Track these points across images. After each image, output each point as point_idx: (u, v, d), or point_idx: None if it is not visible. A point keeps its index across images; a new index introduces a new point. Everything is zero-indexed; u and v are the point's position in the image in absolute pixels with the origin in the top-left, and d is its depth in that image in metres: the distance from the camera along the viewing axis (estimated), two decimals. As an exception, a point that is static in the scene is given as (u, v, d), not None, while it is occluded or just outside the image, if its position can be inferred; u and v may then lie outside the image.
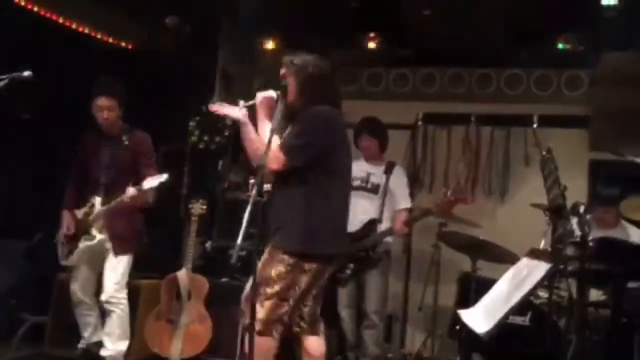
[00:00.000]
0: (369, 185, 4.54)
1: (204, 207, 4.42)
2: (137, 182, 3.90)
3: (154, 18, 4.90)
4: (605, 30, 4.68)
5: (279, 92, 2.96)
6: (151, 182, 3.83)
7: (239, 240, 2.42)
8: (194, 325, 4.22)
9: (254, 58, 5.96)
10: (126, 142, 4.09)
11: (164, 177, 3.83)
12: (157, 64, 5.20)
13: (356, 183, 4.51)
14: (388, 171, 4.55)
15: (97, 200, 4.05)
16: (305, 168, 2.89)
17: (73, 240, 4.10)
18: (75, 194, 4.21)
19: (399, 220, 4.43)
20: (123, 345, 4.03)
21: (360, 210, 4.45)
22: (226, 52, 5.60)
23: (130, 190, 3.84)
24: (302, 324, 3.03)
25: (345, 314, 4.55)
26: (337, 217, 2.99)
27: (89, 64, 4.94)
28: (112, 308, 4.00)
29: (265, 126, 2.94)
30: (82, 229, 4.07)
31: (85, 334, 4.16)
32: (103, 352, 4.03)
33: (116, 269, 4.02)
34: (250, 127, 2.97)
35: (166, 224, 4.85)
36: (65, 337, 4.32)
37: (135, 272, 4.55)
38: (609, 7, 4.49)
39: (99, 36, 5.18)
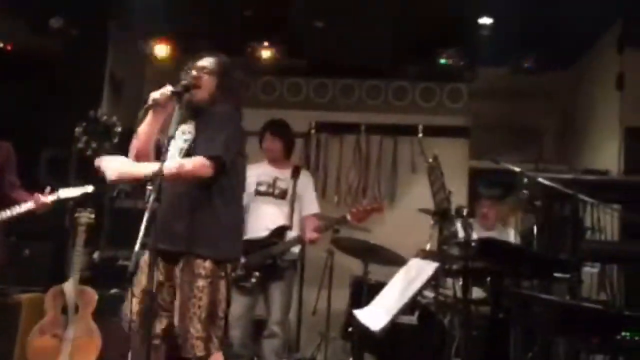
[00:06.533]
0: (277, 191, 4.31)
1: (92, 216, 4.23)
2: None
3: (37, 19, 4.67)
4: (482, 47, 5.06)
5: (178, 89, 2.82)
6: (70, 192, 3.61)
7: (137, 248, 2.38)
8: (82, 339, 4.04)
9: (143, 63, 5.83)
10: None
11: (89, 188, 3.65)
12: (41, 67, 4.95)
13: (262, 188, 4.30)
14: (295, 175, 4.34)
15: None
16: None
17: None
18: None
19: (309, 227, 4.19)
20: None
21: (268, 217, 4.23)
22: (115, 56, 5.44)
23: (41, 198, 3.56)
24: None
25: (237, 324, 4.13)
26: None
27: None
28: None
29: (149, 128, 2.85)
30: None
31: None
32: None
33: None
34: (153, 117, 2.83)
35: (49, 235, 4.62)
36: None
37: (16, 286, 4.31)
38: (485, 25, 4.87)
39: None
